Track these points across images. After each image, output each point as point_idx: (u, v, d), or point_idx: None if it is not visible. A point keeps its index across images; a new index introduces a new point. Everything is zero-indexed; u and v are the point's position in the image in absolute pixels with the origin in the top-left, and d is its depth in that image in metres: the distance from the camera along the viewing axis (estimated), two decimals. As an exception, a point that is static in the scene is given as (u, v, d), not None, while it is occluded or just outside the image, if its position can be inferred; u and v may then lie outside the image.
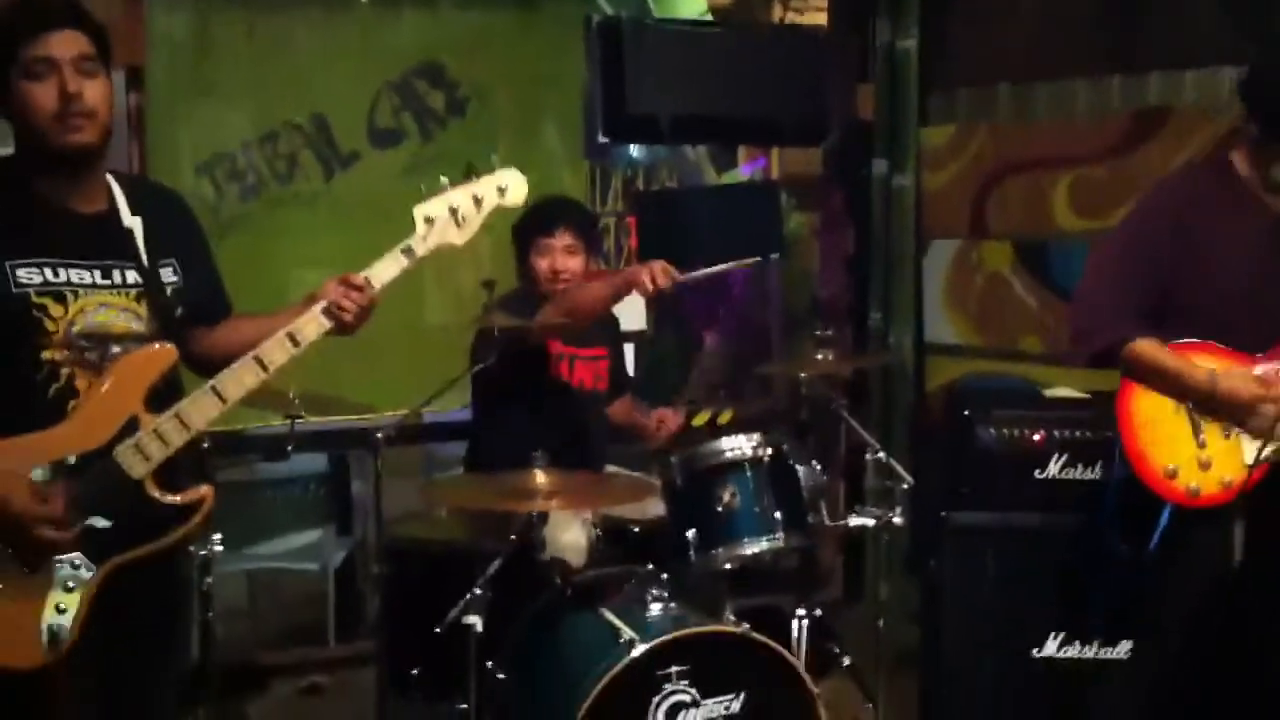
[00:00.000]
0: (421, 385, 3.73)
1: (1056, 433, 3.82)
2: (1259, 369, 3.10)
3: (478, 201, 2.69)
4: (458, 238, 2.69)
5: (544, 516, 3.41)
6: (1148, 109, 4.56)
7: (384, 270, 2.63)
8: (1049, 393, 4.10)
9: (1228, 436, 3.10)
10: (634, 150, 5.42)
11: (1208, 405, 3.09)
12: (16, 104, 2.45)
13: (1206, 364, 3.10)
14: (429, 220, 2.65)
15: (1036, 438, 3.84)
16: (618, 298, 3.70)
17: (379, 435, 3.61)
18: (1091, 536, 3.53)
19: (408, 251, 2.64)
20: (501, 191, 2.72)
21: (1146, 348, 3.12)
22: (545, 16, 5.05)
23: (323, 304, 2.59)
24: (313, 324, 2.59)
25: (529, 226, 3.91)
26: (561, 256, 3.88)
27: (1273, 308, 3.11)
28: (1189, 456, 3.10)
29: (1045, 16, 4.88)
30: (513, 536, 3.40)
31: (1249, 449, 3.08)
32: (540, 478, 3.26)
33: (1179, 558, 3.16)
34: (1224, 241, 3.11)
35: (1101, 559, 3.47)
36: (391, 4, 4.83)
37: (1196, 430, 3.10)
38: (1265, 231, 3.12)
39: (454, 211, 2.67)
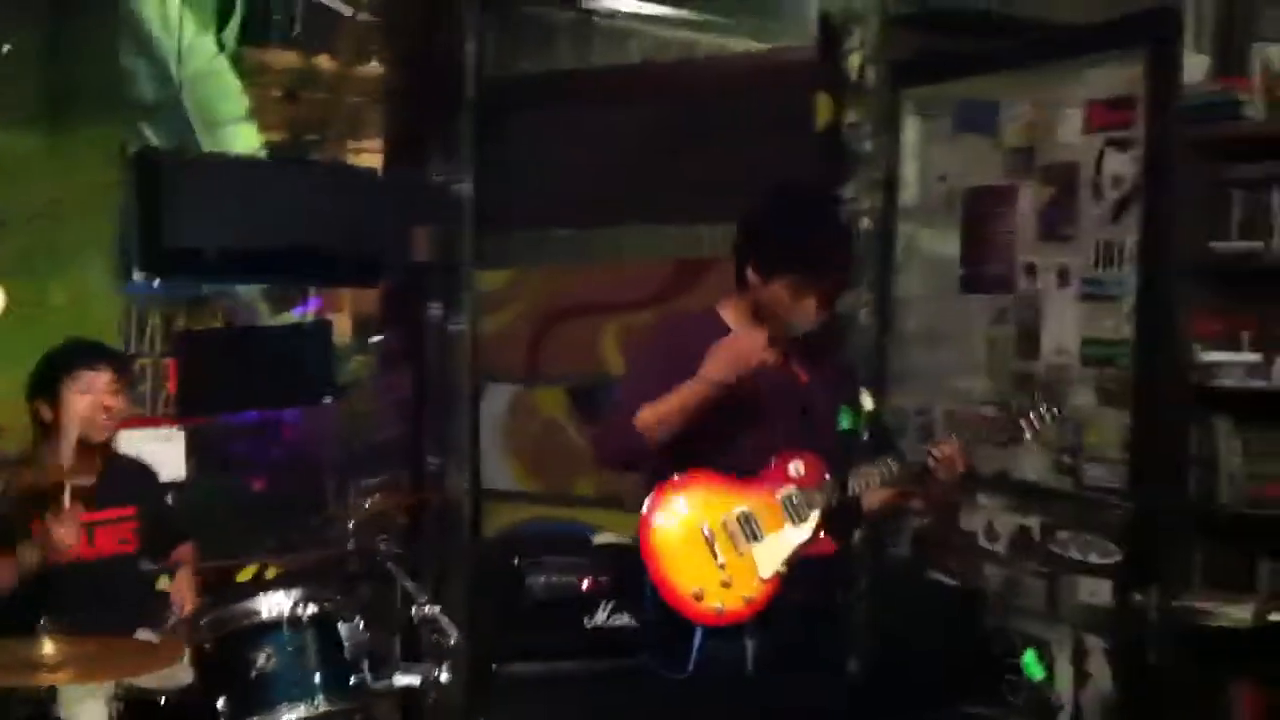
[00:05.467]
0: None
1: (604, 579, 3.86)
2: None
3: None
4: None
5: (55, 690, 3.10)
6: (691, 259, 4.76)
7: None
8: (597, 539, 4.15)
9: (741, 554, 3.12)
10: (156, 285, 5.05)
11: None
12: None
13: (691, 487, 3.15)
14: None
15: (585, 585, 3.86)
16: None
17: None
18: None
19: None
20: None
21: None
22: (80, 142, 4.76)
23: None
24: None
25: (65, 363, 3.66)
26: (106, 395, 3.68)
27: (759, 443, 3.19)
28: (711, 577, 3.10)
29: (597, 165, 5.03)
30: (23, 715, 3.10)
31: (763, 564, 3.12)
32: (48, 647, 2.93)
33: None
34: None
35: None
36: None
37: (713, 550, 3.12)
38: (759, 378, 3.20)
39: None
